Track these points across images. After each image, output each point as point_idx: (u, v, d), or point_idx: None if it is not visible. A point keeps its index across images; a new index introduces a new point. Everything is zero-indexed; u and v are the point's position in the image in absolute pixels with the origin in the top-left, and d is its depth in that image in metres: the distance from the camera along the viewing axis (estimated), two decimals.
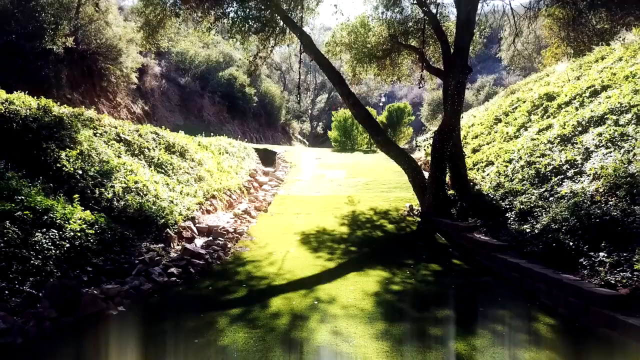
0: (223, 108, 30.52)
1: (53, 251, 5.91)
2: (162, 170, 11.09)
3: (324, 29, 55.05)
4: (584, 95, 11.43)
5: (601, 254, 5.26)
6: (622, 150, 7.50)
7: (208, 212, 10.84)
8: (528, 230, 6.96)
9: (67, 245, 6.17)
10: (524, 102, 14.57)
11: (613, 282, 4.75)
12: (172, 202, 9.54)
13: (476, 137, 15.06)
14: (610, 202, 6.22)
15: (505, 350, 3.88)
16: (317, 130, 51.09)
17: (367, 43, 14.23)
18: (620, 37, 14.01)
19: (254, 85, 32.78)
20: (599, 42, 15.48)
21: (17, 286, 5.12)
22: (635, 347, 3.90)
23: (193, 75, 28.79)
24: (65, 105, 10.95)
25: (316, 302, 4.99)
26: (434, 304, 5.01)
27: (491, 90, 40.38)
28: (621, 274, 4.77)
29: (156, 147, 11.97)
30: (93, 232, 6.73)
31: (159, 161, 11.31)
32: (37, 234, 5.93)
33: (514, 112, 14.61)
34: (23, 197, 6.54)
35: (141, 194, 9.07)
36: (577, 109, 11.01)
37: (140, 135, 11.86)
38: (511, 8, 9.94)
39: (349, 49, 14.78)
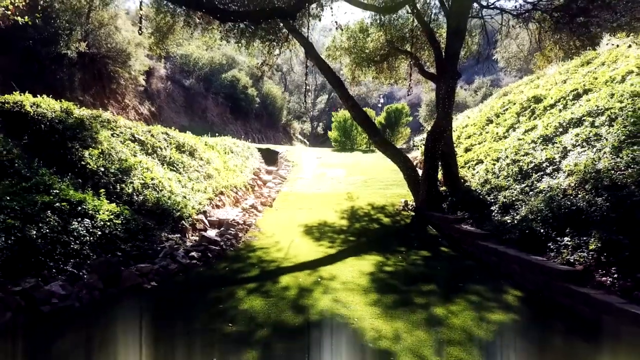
0: (226, 109, 31.38)
1: (88, 237, 6.73)
2: (174, 169, 11.89)
3: (326, 30, 55.84)
4: (567, 98, 12.23)
5: (566, 238, 6.08)
6: (594, 149, 8.30)
7: (217, 207, 11.65)
8: (509, 221, 7.77)
9: (99, 232, 6.98)
10: (514, 104, 15.36)
11: (572, 260, 5.57)
12: (185, 197, 10.35)
13: (469, 137, 15.86)
14: (579, 195, 7.03)
15: (476, 313, 4.69)
16: (318, 131, 51.89)
17: (366, 48, 15.05)
18: (605, 42, 14.78)
19: (256, 87, 33.62)
20: (587, 46, 16.24)
21: (61, 266, 5.94)
22: (583, 310, 4.72)
23: (197, 77, 29.66)
24: (83, 108, 11.77)
25: (319, 279, 5.80)
26: (421, 281, 5.83)
27: (488, 91, 41.20)
28: (579, 254, 5.59)
29: (167, 146, 12.76)
30: (119, 222, 7.54)
31: (171, 160, 12.11)
32: (73, 222, 6.75)
33: (504, 113, 15.40)
34: (57, 191, 7.35)
35: (157, 189, 9.87)
36: (560, 111, 11.81)
37: (152, 136, 12.65)
38: (484, 22, 10.69)
39: (349, 53, 15.60)
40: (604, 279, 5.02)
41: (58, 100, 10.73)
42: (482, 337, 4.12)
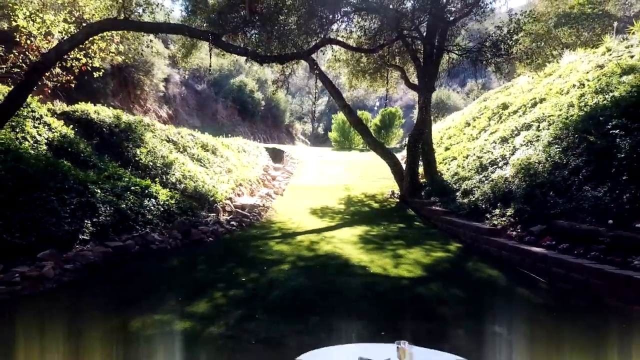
0: (234, 111, 33.96)
1: (155, 212, 9.28)
2: (202, 164, 14.43)
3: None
4: (527, 105, 14.77)
5: (496, 210, 8.64)
6: (532, 148, 10.85)
7: (238, 195, 14.19)
8: (466, 202, 10.32)
9: (162, 208, 9.53)
10: (488, 109, 17.92)
11: (496, 223, 8.13)
12: (214, 186, 12.88)
13: (449, 137, 18.42)
14: (513, 181, 9.59)
15: (425, 253, 7.25)
16: (318, 131, 54.43)
17: (361, 62, 17.60)
18: (562, 57, 17.31)
19: (261, 91, 36.22)
20: (559, 56, 18.73)
21: (142, 229, 8.48)
22: (493, 250, 7.30)
23: (208, 82, 32.24)
24: (126, 113, 14.32)
25: (323, 237, 8.36)
26: (393, 239, 8.38)
27: (479, 94, 43.67)
28: (501, 219, 8.16)
29: (194, 145, 15.32)
30: (173, 202, 10.08)
31: (199, 157, 14.65)
32: (145, 200, 9.30)
33: (480, 117, 17.95)
34: (127, 179, 9.91)
35: (193, 180, 12.41)
36: (520, 116, 14.35)
37: (182, 137, 15.22)
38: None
39: (346, 65, 18.14)
40: (512, 232, 7.59)
41: (109, 108, 13.30)
42: (425, 262, 6.66)
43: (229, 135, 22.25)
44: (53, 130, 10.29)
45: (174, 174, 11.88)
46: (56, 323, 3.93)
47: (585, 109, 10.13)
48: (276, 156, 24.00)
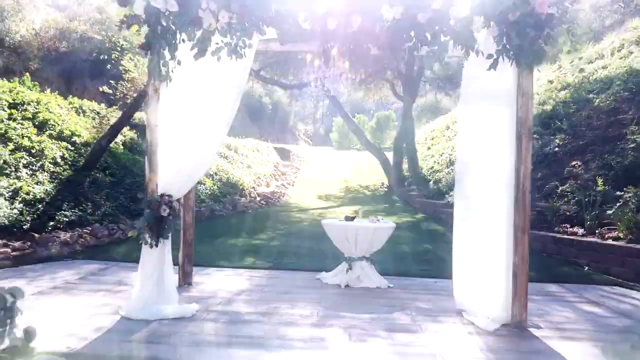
0: (245, 115, 37.36)
1: (206, 194, 12.67)
2: (228, 161, 17.81)
3: None
4: None
5: (452, 192, 12.05)
6: None
7: (258, 185, 17.60)
8: (435, 188, 13.73)
9: (209, 192, 12.92)
10: None
11: (450, 200, 11.55)
12: (240, 178, 16.28)
13: (432, 139, 21.80)
14: None
15: (398, 218, 10.66)
16: (320, 132, 57.81)
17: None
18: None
19: (268, 96, 39.62)
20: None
21: (199, 206, 11.88)
22: (444, 217, 10.73)
23: None
24: None
25: (328, 211, 11.77)
26: (378, 212, 11.80)
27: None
28: (453, 196, 11.56)
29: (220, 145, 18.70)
30: (216, 187, 13.47)
31: (225, 155, 18.03)
32: (198, 186, 12.69)
33: (458, 121, 21.29)
34: None
35: (225, 172, 15.80)
36: None
37: None
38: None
39: (345, 78, 21.54)
40: None
41: None
42: (396, 222, 10.07)
43: (243, 136, 25.56)
44: (123, 134, 13.67)
45: (211, 168, 15.25)
46: None
47: None
48: (284, 155, 27.31)
